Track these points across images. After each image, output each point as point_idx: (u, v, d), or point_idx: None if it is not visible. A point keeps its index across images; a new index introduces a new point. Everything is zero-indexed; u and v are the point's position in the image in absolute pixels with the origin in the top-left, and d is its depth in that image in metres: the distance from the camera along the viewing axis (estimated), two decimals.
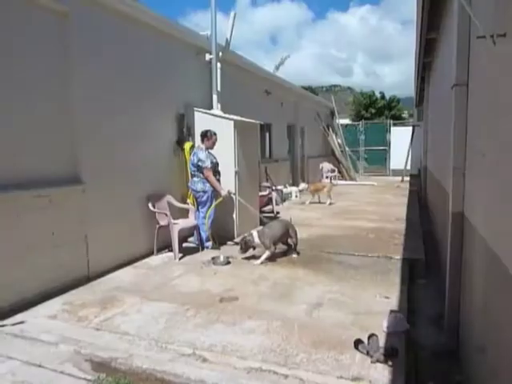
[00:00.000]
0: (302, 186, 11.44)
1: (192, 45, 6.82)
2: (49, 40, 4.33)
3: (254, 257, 5.46)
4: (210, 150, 5.94)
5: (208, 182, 5.86)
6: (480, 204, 2.64)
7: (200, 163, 5.79)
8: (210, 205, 5.92)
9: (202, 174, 5.84)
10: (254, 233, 5.43)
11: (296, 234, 5.57)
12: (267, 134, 10.83)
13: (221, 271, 5.03)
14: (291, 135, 13.04)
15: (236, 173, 6.54)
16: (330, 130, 17.06)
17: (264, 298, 4.11)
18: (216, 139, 6.00)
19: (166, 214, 5.62)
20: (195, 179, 5.89)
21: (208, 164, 5.81)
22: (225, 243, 6.31)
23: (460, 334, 3.22)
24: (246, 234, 5.50)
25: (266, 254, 5.32)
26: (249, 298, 4.11)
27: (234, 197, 6.29)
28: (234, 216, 6.61)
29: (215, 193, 5.95)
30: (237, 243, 6.31)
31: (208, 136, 5.95)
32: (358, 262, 5.33)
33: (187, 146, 6.44)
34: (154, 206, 5.68)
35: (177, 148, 6.44)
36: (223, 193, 5.92)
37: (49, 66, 4.33)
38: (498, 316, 2.06)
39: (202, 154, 5.82)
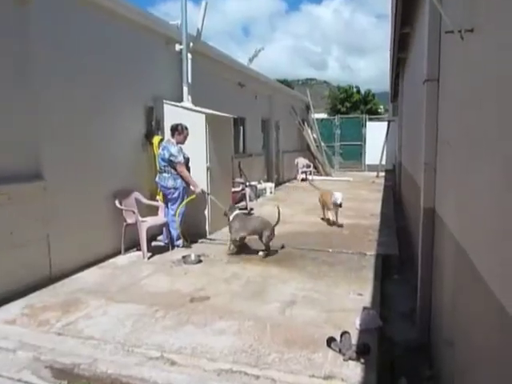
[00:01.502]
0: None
1: (161, 34, 6.71)
2: (6, 28, 4.16)
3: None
4: (180, 145, 5.87)
5: (181, 178, 5.79)
6: (450, 199, 2.72)
7: (172, 158, 5.71)
8: (181, 202, 5.87)
9: (174, 169, 5.76)
10: (234, 213, 5.58)
11: (269, 237, 5.49)
12: (241, 129, 10.80)
13: (192, 270, 5.00)
14: (266, 129, 13.05)
15: (208, 169, 6.50)
16: (306, 124, 17.19)
17: (236, 297, 4.11)
18: (187, 134, 5.93)
19: (134, 212, 5.53)
20: (165, 175, 5.81)
21: (181, 159, 5.75)
22: (196, 241, 6.28)
23: (431, 329, 3.32)
24: (229, 211, 5.66)
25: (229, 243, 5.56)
26: (220, 298, 4.10)
27: (207, 196, 6.24)
28: (206, 213, 6.58)
29: (187, 189, 5.89)
30: (209, 241, 6.30)
31: (179, 130, 5.87)
32: (332, 258, 5.40)
33: (156, 139, 6.35)
34: (120, 203, 5.58)
35: (145, 142, 6.35)
36: (197, 189, 5.87)
37: (5, 56, 4.16)
38: (465, 311, 2.13)
39: (174, 149, 5.74)
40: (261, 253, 5.50)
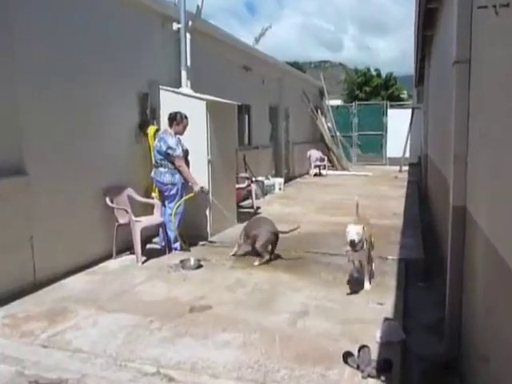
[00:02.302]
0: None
1: (157, 12, 6.72)
2: None
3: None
4: (179, 136, 5.89)
5: (180, 173, 5.81)
6: (484, 196, 2.69)
7: (170, 151, 5.72)
8: (180, 200, 5.88)
9: (172, 163, 5.77)
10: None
11: (264, 237, 5.45)
12: (246, 117, 10.80)
13: (191, 276, 5.01)
14: (274, 118, 13.04)
15: (209, 162, 6.51)
16: (319, 112, 17.16)
17: (241, 307, 4.12)
18: (187, 123, 5.94)
19: (127, 211, 5.56)
20: (162, 169, 5.82)
21: (179, 152, 5.75)
22: (196, 244, 6.30)
23: (462, 342, 3.30)
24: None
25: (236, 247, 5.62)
26: (223, 307, 4.11)
27: (208, 195, 6.23)
28: (208, 212, 6.59)
29: (186, 185, 5.91)
30: (211, 244, 6.32)
31: (178, 119, 5.88)
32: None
33: (151, 130, 6.37)
34: (112, 201, 5.61)
35: (139, 133, 6.37)
36: (196, 188, 5.88)
37: None
38: (502, 322, 2.12)
39: (172, 140, 5.74)
40: (256, 262, 5.41)
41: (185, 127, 5.93)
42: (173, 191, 5.85)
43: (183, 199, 5.91)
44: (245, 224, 5.78)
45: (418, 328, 3.86)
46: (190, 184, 5.87)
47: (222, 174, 6.93)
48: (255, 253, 5.51)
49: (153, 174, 5.96)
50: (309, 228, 7.10)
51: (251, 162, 10.35)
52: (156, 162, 5.87)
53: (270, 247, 5.50)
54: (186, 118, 5.92)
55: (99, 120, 5.61)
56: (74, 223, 5.19)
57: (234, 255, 5.62)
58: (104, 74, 5.66)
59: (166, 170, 5.80)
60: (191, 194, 5.93)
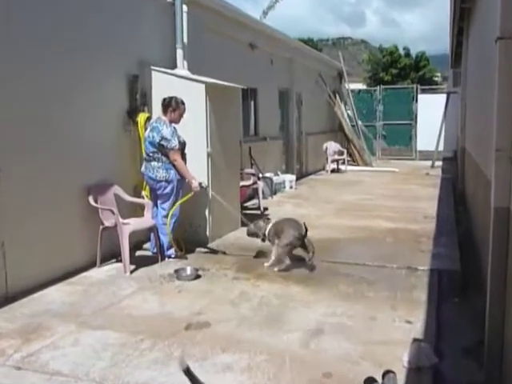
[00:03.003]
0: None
1: None
2: None
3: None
4: (174, 125, 5.91)
5: (175, 167, 5.83)
6: None
7: (164, 142, 5.73)
8: (176, 199, 5.90)
9: (167, 156, 5.79)
10: (270, 223, 5.79)
11: (282, 240, 5.55)
12: (252, 103, 10.81)
13: (187, 288, 5.03)
14: (284, 105, 13.04)
15: (209, 155, 6.53)
16: (338, 97, 17.14)
17: (245, 324, 4.13)
18: (184, 110, 5.96)
19: (113, 212, 5.58)
20: (154, 164, 5.84)
21: (175, 144, 5.76)
22: (193, 250, 6.33)
23: (504, 369, 3.29)
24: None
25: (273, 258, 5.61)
26: (224, 324, 4.13)
27: (207, 191, 6.24)
28: (207, 213, 6.61)
29: (183, 183, 5.92)
30: (210, 251, 6.34)
31: (173, 105, 5.89)
32: (372, 274, 5.40)
33: (142, 117, 6.40)
34: (96, 201, 5.64)
35: (128, 121, 6.40)
36: (194, 184, 5.89)
37: None
38: None
39: (167, 130, 5.76)
40: (266, 263, 5.53)
41: (181, 114, 5.95)
42: (167, 189, 5.87)
43: (181, 201, 5.92)
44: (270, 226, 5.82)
45: (453, 351, 3.84)
46: (186, 181, 5.88)
47: (224, 169, 6.95)
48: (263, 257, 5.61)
49: (143, 169, 5.98)
50: (325, 233, 7.09)
51: (258, 155, 10.37)
52: (148, 155, 5.89)
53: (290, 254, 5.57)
54: (182, 103, 5.93)
55: (80, 107, 5.63)
56: (53, 226, 5.22)
57: (280, 270, 5.52)
58: (86, 53, 5.67)
59: (160, 164, 5.82)
60: (190, 195, 5.95)
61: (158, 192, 5.93)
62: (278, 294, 4.85)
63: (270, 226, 5.82)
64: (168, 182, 5.84)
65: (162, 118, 5.90)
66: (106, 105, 6.05)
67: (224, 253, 6.25)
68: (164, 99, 5.92)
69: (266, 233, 5.79)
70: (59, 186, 5.32)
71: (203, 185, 6.05)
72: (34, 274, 4.98)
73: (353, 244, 6.60)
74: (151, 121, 6.10)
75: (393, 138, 19.90)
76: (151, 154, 5.84)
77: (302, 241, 5.56)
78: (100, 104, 5.95)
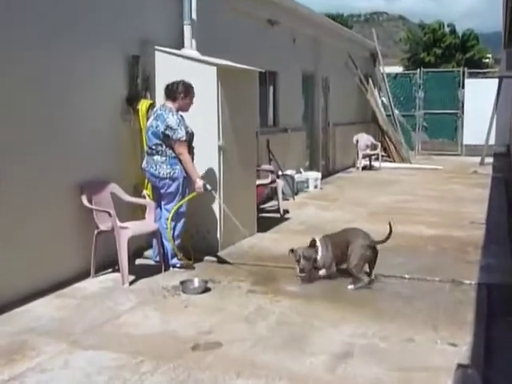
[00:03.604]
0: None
1: None
2: None
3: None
4: (181, 114, 5.94)
5: (180, 162, 5.85)
6: None
7: (169, 132, 5.75)
8: (181, 199, 5.93)
9: (172, 149, 5.82)
10: (318, 242, 5.59)
11: (358, 254, 5.49)
12: (271, 89, 10.82)
13: (195, 303, 5.04)
14: (309, 91, 13.01)
15: (220, 149, 6.54)
16: (371, 82, 17.05)
17: (262, 345, 4.13)
18: (193, 95, 5.99)
19: (110, 213, 5.62)
20: (157, 158, 5.86)
21: (182, 134, 5.78)
22: (201, 260, 6.34)
23: None
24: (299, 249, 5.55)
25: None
26: (238, 345, 4.12)
27: (213, 194, 6.19)
28: (218, 216, 6.63)
29: (190, 181, 5.95)
30: (221, 261, 6.34)
31: (180, 91, 5.90)
32: (410, 288, 5.38)
33: (143, 105, 6.42)
34: (90, 201, 5.68)
35: (127, 110, 6.43)
36: (199, 184, 5.88)
37: None
38: None
39: (173, 119, 5.78)
40: (351, 286, 5.43)
41: (191, 101, 5.97)
42: (171, 188, 5.89)
43: (183, 201, 5.94)
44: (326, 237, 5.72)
45: (505, 380, 3.81)
46: (193, 179, 5.90)
47: (238, 165, 6.96)
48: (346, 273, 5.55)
49: (145, 164, 6.01)
50: None
51: (277, 149, 10.37)
52: (150, 147, 5.92)
53: (366, 266, 5.55)
54: (191, 87, 5.95)
55: (73, 94, 5.66)
56: (40, 231, 5.25)
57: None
58: (79, 32, 5.70)
59: (164, 159, 5.84)
60: (193, 194, 5.96)
61: (162, 191, 5.96)
62: (300, 310, 4.84)
63: (320, 247, 5.57)
64: (173, 179, 5.86)
65: (167, 105, 5.92)
66: (101, 91, 6.08)
67: (237, 263, 6.24)
68: (170, 84, 5.93)
69: (320, 258, 5.54)
70: (49, 184, 5.35)
71: (208, 187, 5.99)
72: (19, 284, 5.02)
73: (388, 253, 6.52)
74: (155, 108, 6.13)
75: (435, 129, 19.78)
76: (154, 147, 5.86)
77: (375, 249, 5.56)
78: (94, 90, 5.97)
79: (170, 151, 5.82)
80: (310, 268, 5.52)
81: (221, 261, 6.37)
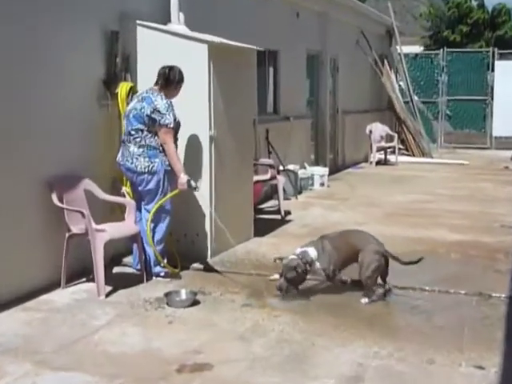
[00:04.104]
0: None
1: None
2: None
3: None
4: (170, 100, 5.97)
5: (162, 154, 5.86)
6: None
7: (156, 116, 5.78)
8: (163, 197, 5.93)
9: (153, 137, 5.84)
10: (311, 250, 5.43)
11: (367, 263, 5.46)
12: (271, 71, 10.82)
13: (182, 318, 5.03)
14: (315, 73, 13.04)
15: (211, 140, 6.54)
16: (387, 64, 17.03)
17: (259, 367, 4.12)
18: (182, 82, 6.04)
19: (84, 214, 5.60)
20: (134, 149, 5.84)
21: (171, 121, 5.81)
22: (189, 268, 6.34)
23: None
24: (289, 257, 5.43)
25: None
26: (231, 367, 4.12)
27: (197, 192, 6.20)
28: (208, 218, 6.62)
29: (172, 176, 5.94)
30: (209, 269, 6.33)
31: (171, 78, 5.94)
32: (431, 302, 5.39)
33: (123, 88, 6.41)
34: (61, 200, 5.66)
35: (104, 93, 6.42)
36: (182, 179, 5.87)
37: None
38: None
39: (161, 103, 5.82)
40: (364, 299, 5.42)
41: (180, 88, 6.02)
42: (151, 184, 5.87)
43: (164, 199, 5.93)
44: (322, 242, 5.57)
45: None
46: (176, 173, 5.88)
47: (232, 159, 6.96)
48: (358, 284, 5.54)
49: (119, 157, 5.99)
50: None
51: (278, 140, 10.36)
52: (128, 133, 5.91)
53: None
54: (181, 73, 5.99)
55: (39, 74, 5.63)
56: (2, 235, 5.22)
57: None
58: (51, 5, 5.69)
59: (141, 150, 5.83)
60: (176, 192, 5.96)
61: (140, 188, 5.95)
62: (302, 327, 4.82)
63: (314, 251, 5.46)
64: (152, 173, 5.85)
65: (155, 88, 5.96)
66: (73, 71, 6.05)
67: (231, 271, 6.23)
68: (162, 69, 5.96)
69: (320, 263, 5.43)
70: (9, 181, 5.30)
71: (192, 184, 5.97)
72: None
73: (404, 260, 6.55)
74: (139, 92, 6.13)
75: (460, 119, 19.77)
76: (133, 133, 5.86)
77: (386, 258, 5.55)
78: (65, 70, 5.95)
79: (151, 140, 5.83)
80: (299, 282, 5.44)
81: (212, 269, 6.36)
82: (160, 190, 5.90)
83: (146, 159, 5.84)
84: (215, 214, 6.30)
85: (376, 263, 5.45)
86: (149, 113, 5.78)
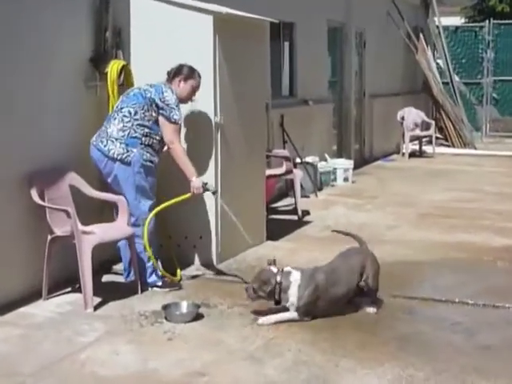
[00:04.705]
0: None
1: None
2: None
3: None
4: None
5: (173, 154, 5.95)
6: None
7: (164, 107, 5.89)
8: (144, 195, 5.96)
9: (144, 128, 5.90)
10: (295, 274, 5.32)
11: (375, 270, 5.55)
12: (286, 47, 10.82)
13: (182, 335, 5.04)
14: (337, 49, 13.06)
15: (217, 127, 6.56)
16: (422, 39, 16.96)
17: None
18: (199, 84, 6.14)
19: (69, 213, 5.63)
20: (113, 132, 5.88)
21: (179, 117, 5.95)
22: (191, 277, 6.38)
23: None
24: (267, 268, 5.39)
25: (288, 315, 5.34)
26: None
27: (215, 195, 6.30)
28: (213, 219, 6.65)
29: (154, 172, 6.01)
30: (220, 276, 6.36)
31: (186, 74, 6.05)
32: (475, 318, 5.37)
33: (113, 67, 6.40)
34: (42, 197, 5.68)
35: (92, 73, 6.44)
36: (196, 183, 5.94)
37: None
38: None
39: (172, 97, 5.96)
40: (371, 308, 5.49)
41: (194, 90, 6.12)
42: (120, 176, 5.90)
43: (170, 203, 5.99)
44: (316, 271, 5.49)
45: None
46: (190, 178, 5.94)
47: (241, 149, 6.99)
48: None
49: (95, 136, 6.01)
50: (399, 253, 7.10)
51: (295, 128, 10.39)
52: (119, 110, 5.96)
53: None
54: (199, 76, 6.12)
55: (17, 52, 5.63)
56: None
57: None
58: None
59: (122, 134, 5.87)
60: (187, 195, 6.01)
61: (109, 180, 5.99)
62: (323, 346, 4.82)
63: (309, 277, 5.36)
64: (124, 163, 5.88)
65: (165, 82, 6.09)
66: (56, 48, 6.06)
67: (240, 279, 6.25)
68: (178, 67, 6.07)
69: (297, 291, 5.28)
70: None
71: (210, 188, 6.07)
72: None
73: (443, 270, 6.53)
74: (149, 84, 6.12)
75: (509, 103, 19.66)
76: (124, 111, 5.92)
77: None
78: (47, 47, 5.96)
79: (138, 128, 5.88)
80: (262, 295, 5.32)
81: (216, 278, 6.40)
82: (134, 186, 5.92)
83: (123, 145, 5.87)
84: (227, 208, 6.29)
85: (378, 270, 5.55)
86: (156, 99, 5.89)
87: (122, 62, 6.50)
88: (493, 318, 5.42)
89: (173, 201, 6.01)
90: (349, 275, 5.49)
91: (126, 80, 6.46)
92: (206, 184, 6.02)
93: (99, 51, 6.51)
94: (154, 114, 5.92)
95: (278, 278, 5.21)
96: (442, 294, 5.83)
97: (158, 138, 5.99)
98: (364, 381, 4.29)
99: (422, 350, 4.76)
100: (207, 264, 6.61)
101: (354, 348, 4.80)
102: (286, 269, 5.37)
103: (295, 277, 5.27)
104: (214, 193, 6.19)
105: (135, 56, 6.45)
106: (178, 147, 5.96)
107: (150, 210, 5.96)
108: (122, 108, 5.96)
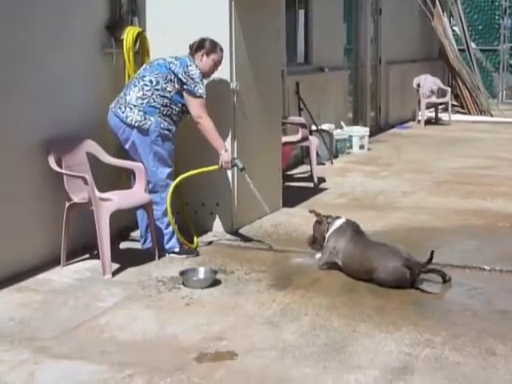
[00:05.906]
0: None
1: None
2: None
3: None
4: None
5: (202, 129, 5.94)
6: None
7: (188, 81, 5.88)
8: (163, 163, 5.97)
9: (164, 98, 5.89)
10: (339, 221, 5.75)
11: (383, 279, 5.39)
12: (301, 13, 10.75)
13: (200, 300, 5.06)
14: (353, 16, 12.97)
15: (234, 93, 6.53)
16: (438, 4, 16.79)
17: (290, 356, 4.13)
18: (221, 58, 6.13)
19: (86, 180, 5.62)
20: (132, 99, 5.88)
21: (204, 92, 5.92)
22: (208, 243, 6.38)
23: None
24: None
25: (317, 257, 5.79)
26: (258, 356, 4.13)
27: (245, 175, 6.24)
28: (231, 184, 6.65)
29: (172, 143, 6.01)
30: (237, 242, 6.37)
31: (208, 48, 6.03)
32: (490, 284, 5.37)
33: (129, 34, 6.36)
34: (59, 164, 5.68)
35: (108, 40, 6.41)
36: (226, 157, 5.98)
37: None
38: None
39: (196, 71, 5.94)
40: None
41: (216, 64, 6.10)
42: (138, 145, 5.91)
43: (197, 171, 6.03)
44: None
45: None
46: (220, 151, 5.97)
47: (257, 117, 6.96)
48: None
49: (113, 103, 6.01)
50: (416, 219, 7.10)
51: (310, 95, 10.35)
52: (141, 78, 5.95)
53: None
54: (221, 49, 6.10)
55: (32, 21, 5.61)
56: None
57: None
58: None
59: (140, 102, 5.85)
60: (214, 167, 6.04)
61: (126, 146, 5.99)
62: (340, 311, 4.82)
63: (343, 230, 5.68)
64: (141, 131, 5.87)
65: (189, 56, 6.08)
66: (71, 16, 6.03)
67: (259, 243, 6.27)
68: (200, 41, 6.05)
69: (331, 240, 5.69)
70: (2, 140, 5.35)
71: (238, 164, 6.10)
72: None
73: (460, 236, 6.51)
74: (173, 57, 6.10)
75: None
76: (146, 80, 5.91)
77: (412, 270, 5.40)
78: (63, 15, 5.93)
79: (158, 98, 5.87)
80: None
81: (234, 244, 6.41)
82: (152, 154, 5.92)
83: (141, 113, 5.86)
84: (250, 179, 6.25)
85: (392, 273, 5.29)
86: (180, 74, 5.87)
87: (137, 29, 6.45)
88: (510, 283, 5.42)
89: (199, 170, 6.02)
90: (359, 261, 5.48)
91: (141, 47, 6.43)
92: (234, 159, 6.06)
93: (115, 18, 6.47)
94: (176, 86, 5.91)
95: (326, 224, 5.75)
96: (459, 259, 5.82)
97: (177, 109, 5.99)
98: (382, 345, 4.28)
99: (439, 315, 4.77)
100: (225, 228, 6.62)
101: (371, 312, 4.80)
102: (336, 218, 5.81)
103: (339, 221, 5.75)
104: (242, 169, 6.15)
105: (151, 23, 6.42)
106: (207, 121, 5.94)
107: (168, 177, 5.99)
108: (144, 76, 5.95)
